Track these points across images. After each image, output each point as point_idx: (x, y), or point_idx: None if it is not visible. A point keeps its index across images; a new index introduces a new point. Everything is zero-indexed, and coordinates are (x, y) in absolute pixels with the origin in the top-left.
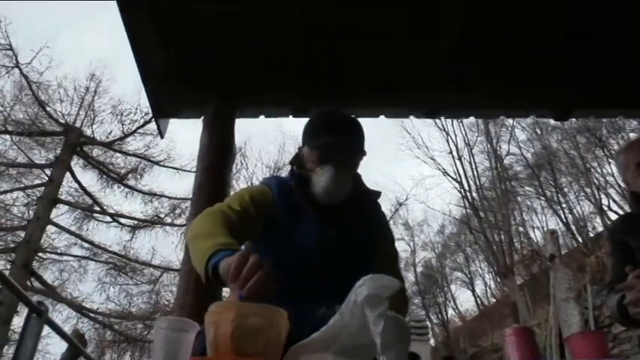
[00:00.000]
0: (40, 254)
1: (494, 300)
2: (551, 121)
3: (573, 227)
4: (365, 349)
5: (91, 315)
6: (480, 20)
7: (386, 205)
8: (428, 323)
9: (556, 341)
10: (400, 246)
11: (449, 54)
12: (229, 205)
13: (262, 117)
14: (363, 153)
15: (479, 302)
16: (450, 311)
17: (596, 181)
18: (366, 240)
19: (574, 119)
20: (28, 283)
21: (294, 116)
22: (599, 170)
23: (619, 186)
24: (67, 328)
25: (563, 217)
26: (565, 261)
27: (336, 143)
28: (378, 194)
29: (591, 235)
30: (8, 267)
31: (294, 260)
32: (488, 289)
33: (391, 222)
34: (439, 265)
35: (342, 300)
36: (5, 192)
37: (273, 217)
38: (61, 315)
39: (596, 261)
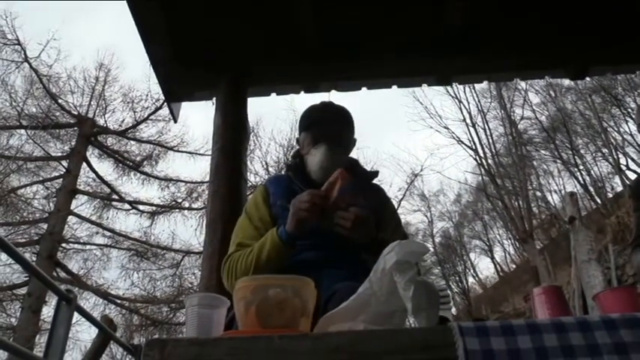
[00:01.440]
0: (63, 245)
1: (514, 266)
2: (565, 82)
3: (591, 189)
4: (395, 315)
5: (117, 301)
6: None
7: (401, 177)
8: (449, 292)
9: (579, 302)
10: (417, 217)
11: (460, 16)
12: (239, 243)
13: (274, 94)
14: (354, 135)
15: (499, 269)
16: (470, 279)
17: (613, 140)
18: (370, 212)
19: (589, 78)
20: (54, 274)
21: (305, 92)
22: (615, 129)
23: (637, 144)
24: (95, 315)
25: (580, 179)
26: (585, 223)
27: (325, 117)
28: (375, 174)
29: (610, 195)
30: (34, 259)
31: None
32: (507, 256)
33: (407, 194)
34: (457, 235)
35: (347, 267)
36: (25, 186)
37: (273, 209)
38: (88, 303)
39: (616, 221)
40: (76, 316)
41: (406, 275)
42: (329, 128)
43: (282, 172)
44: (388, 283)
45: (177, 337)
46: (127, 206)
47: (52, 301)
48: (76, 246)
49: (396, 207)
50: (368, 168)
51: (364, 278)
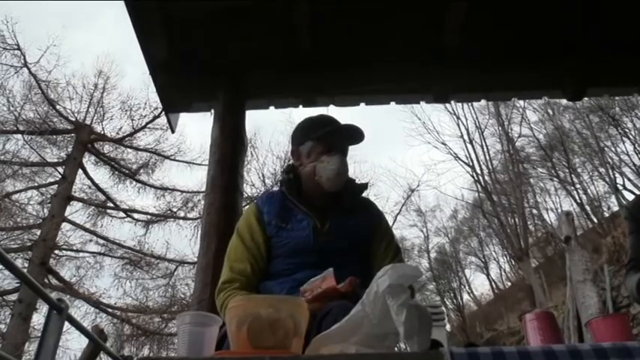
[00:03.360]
0: (56, 252)
1: (510, 283)
2: (564, 101)
3: (588, 208)
4: (387, 338)
5: (109, 310)
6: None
7: (398, 192)
8: (444, 309)
9: (574, 323)
10: (413, 232)
11: (457, 36)
12: (231, 267)
13: (272, 108)
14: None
15: (494, 286)
16: (465, 296)
17: (610, 160)
18: (360, 229)
19: (587, 98)
20: (46, 281)
21: (304, 106)
22: (612, 149)
23: (634, 164)
24: (86, 324)
25: (577, 197)
26: (581, 242)
27: (342, 128)
28: (364, 186)
29: (606, 215)
30: (26, 265)
31: (292, 252)
32: (503, 273)
33: (403, 208)
34: (453, 251)
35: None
36: (20, 191)
37: (268, 228)
38: (79, 311)
39: (612, 241)
40: (66, 324)
41: (399, 299)
42: (343, 139)
43: (276, 188)
44: (381, 306)
45: (168, 355)
46: (121, 214)
47: (43, 308)
48: (69, 253)
49: (389, 221)
50: (362, 181)
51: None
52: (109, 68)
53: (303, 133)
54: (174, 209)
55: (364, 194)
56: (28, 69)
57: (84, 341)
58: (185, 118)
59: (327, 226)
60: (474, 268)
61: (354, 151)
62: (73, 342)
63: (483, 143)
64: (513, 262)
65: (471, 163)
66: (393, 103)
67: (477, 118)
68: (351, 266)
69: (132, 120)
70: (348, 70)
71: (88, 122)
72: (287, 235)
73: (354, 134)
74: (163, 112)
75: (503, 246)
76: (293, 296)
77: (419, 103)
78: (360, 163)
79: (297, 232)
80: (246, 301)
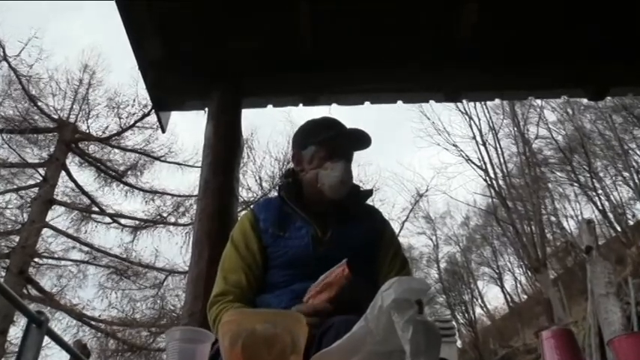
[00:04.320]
0: (36, 260)
1: (526, 296)
2: (584, 100)
3: (611, 215)
4: (392, 356)
5: (93, 323)
6: None
7: (405, 197)
8: (454, 323)
9: (595, 341)
10: (421, 240)
11: (471, 29)
12: (225, 278)
13: (270, 106)
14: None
15: (509, 299)
16: (478, 310)
17: (635, 163)
18: (364, 239)
19: (610, 98)
20: (25, 291)
21: (304, 105)
22: (637, 151)
23: None
24: (68, 338)
25: (599, 204)
26: (603, 252)
27: (347, 133)
28: (369, 193)
29: (631, 223)
30: (3, 274)
31: (290, 263)
32: (518, 285)
33: (411, 215)
34: (464, 260)
35: None
36: None
37: (264, 236)
38: (61, 324)
39: (637, 251)
40: (46, 338)
41: (405, 315)
42: (348, 145)
43: (274, 193)
44: (385, 322)
45: None
46: (107, 219)
47: (21, 321)
48: (49, 261)
49: (395, 230)
50: (367, 187)
51: (366, 309)
52: (95, 62)
53: (306, 136)
54: (164, 214)
55: (368, 201)
56: (8, 62)
57: (65, 357)
58: (177, 117)
59: (329, 235)
60: (487, 279)
61: (358, 154)
62: (54, 358)
63: (497, 145)
64: (530, 274)
65: (484, 167)
66: (400, 102)
67: (490, 118)
68: (353, 278)
69: (119, 118)
70: (351, 67)
71: (72, 120)
72: (285, 244)
73: (360, 139)
74: (153, 110)
75: (519, 256)
76: (291, 310)
77: (428, 102)
78: (364, 166)
79: (295, 240)
80: (240, 315)
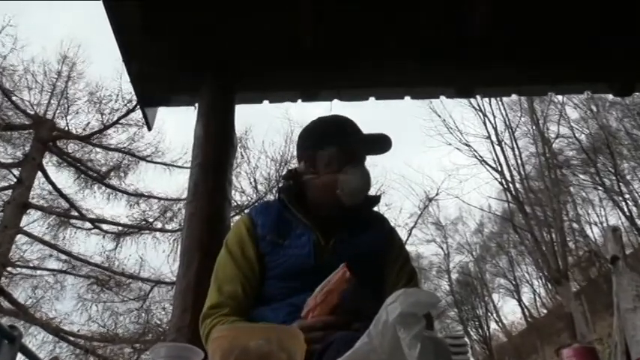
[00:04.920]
0: (9, 269)
1: (545, 311)
2: (610, 96)
3: (639, 222)
4: None
5: (70, 339)
6: None
7: (413, 201)
8: (467, 340)
9: None
10: (431, 249)
11: (487, 18)
12: (219, 288)
13: (266, 102)
14: None
15: (526, 314)
16: (493, 325)
17: None
18: (370, 248)
19: (638, 93)
20: None
21: (303, 100)
22: None
23: None
24: (43, 355)
25: (626, 210)
26: (630, 263)
27: (372, 137)
28: (377, 199)
29: None
30: None
31: (289, 273)
32: (537, 298)
33: (420, 221)
34: (478, 271)
35: None
36: None
37: (261, 244)
38: (36, 340)
39: None
40: (19, 355)
41: (412, 330)
42: (368, 149)
43: (275, 191)
44: (390, 338)
45: None
46: (87, 225)
47: None
48: (24, 271)
49: (403, 239)
50: (374, 193)
51: (368, 320)
52: (75, 53)
53: (324, 135)
54: (150, 219)
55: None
56: None
57: None
58: (164, 113)
59: (332, 243)
60: (503, 292)
61: None
62: None
63: (514, 145)
64: (550, 286)
65: (499, 168)
66: (407, 98)
67: (506, 115)
68: (355, 282)
69: (101, 114)
70: (355, 59)
71: (49, 116)
72: (284, 253)
73: (383, 146)
74: (138, 106)
75: (538, 266)
76: (287, 325)
77: (438, 97)
78: (368, 167)
79: (295, 249)
80: (232, 331)
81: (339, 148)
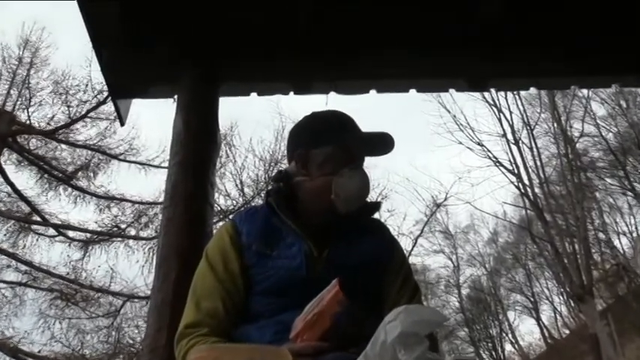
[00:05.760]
0: None
1: (567, 332)
2: None
3: None
4: None
5: None
6: None
7: (419, 207)
8: None
9: None
10: (439, 260)
11: (499, 4)
12: (198, 304)
13: (254, 94)
14: None
15: (546, 335)
16: (508, 347)
17: None
18: (368, 260)
19: None
20: None
21: (295, 93)
22: None
23: None
24: None
25: None
26: None
27: (371, 136)
28: (377, 206)
29: None
30: None
31: (278, 287)
32: (558, 317)
33: (426, 229)
34: (491, 286)
35: None
36: None
37: (247, 254)
38: None
39: None
40: None
41: (413, 352)
42: (369, 149)
43: (261, 197)
44: None
45: None
46: (51, 231)
47: None
48: None
49: (406, 250)
50: (374, 199)
51: (365, 344)
52: (39, 37)
53: (319, 133)
54: (123, 225)
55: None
56: None
57: None
58: (139, 106)
59: (326, 254)
60: (520, 309)
61: None
62: None
63: (533, 144)
64: (572, 304)
65: (516, 171)
66: (413, 91)
67: (524, 111)
68: (349, 303)
69: (68, 107)
70: (355, 47)
71: (8, 108)
72: (272, 265)
73: (384, 145)
74: (110, 98)
75: (559, 281)
76: (273, 346)
77: (448, 90)
78: (369, 168)
79: (285, 260)
80: (212, 351)
81: (334, 148)
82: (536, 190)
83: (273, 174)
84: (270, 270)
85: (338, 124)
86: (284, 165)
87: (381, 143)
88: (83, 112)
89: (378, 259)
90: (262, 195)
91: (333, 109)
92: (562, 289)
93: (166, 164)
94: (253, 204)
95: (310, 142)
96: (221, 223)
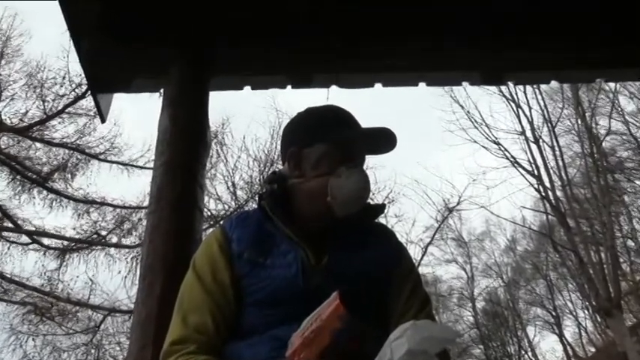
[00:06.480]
0: None
1: (593, 349)
2: None
3: None
4: None
5: None
6: None
7: (429, 212)
8: None
9: None
10: (451, 271)
11: None
12: (184, 319)
13: (248, 88)
14: None
15: (570, 352)
16: None
17: None
18: (372, 268)
19: None
20: None
21: (293, 87)
22: None
23: None
24: None
25: None
26: None
27: (370, 133)
28: (381, 208)
29: None
30: None
31: (272, 299)
32: (583, 334)
33: (437, 236)
34: (509, 299)
35: None
36: None
37: (238, 263)
38: None
39: None
40: None
41: None
42: (367, 147)
43: (255, 200)
44: None
45: None
46: (24, 239)
47: None
48: None
49: (415, 258)
50: (377, 199)
51: None
52: (10, 25)
53: (312, 129)
54: (103, 232)
55: (379, 218)
56: None
57: None
58: (122, 101)
59: (325, 262)
60: (541, 325)
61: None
62: None
63: (555, 143)
64: (598, 318)
65: (536, 172)
66: (422, 85)
67: (545, 106)
68: (350, 319)
69: (43, 101)
70: (359, 37)
71: None
72: (266, 275)
73: (386, 143)
74: (90, 92)
75: (584, 294)
76: None
77: (461, 84)
78: (375, 169)
79: (280, 269)
80: None
81: (329, 146)
82: (558, 193)
83: (267, 175)
84: (263, 280)
85: (334, 119)
86: (280, 165)
87: (382, 139)
88: (60, 108)
89: (383, 267)
90: (256, 198)
91: (329, 104)
92: (587, 303)
93: (151, 165)
94: (247, 208)
95: (303, 139)
96: (211, 230)
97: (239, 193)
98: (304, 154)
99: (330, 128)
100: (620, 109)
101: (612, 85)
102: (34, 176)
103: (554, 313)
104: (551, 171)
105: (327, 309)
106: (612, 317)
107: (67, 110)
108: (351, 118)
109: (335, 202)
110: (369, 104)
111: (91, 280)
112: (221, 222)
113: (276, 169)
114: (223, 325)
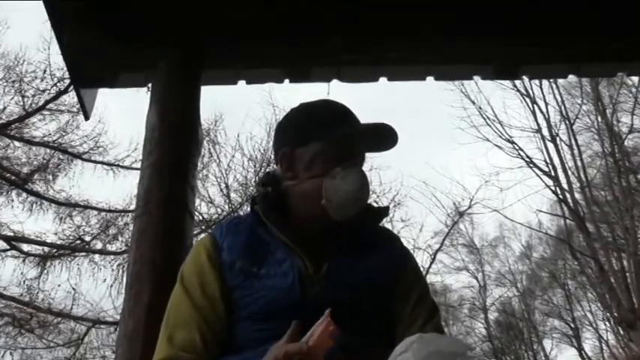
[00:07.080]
0: None
1: None
2: None
3: None
4: None
5: None
6: None
7: (438, 215)
8: None
9: None
10: (462, 279)
11: None
12: (170, 337)
13: (242, 83)
14: None
15: None
16: None
17: None
18: (375, 276)
19: None
20: None
21: (291, 81)
22: None
23: None
24: None
25: None
26: None
27: (368, 129)
28: (384, 212)
29: None
30: None
31: (267, 312)
32: (604, 347)
33: (447, 242)
34: (524, 309)
35: None
36: None
37: (229, 274)
38: None
39: None
40: None
41: None
42: (366, 145)
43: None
44: None
45: None
46: (2, 244)
47: None
48: None
49: (422, 265)
50: (381, 202)
51: None
52: None
53: (304, 127)
54: (87, 238)
55: (383, 222)
56: None
57: None
58: (107, 96)
59: (324, 271)
60: (558, 337)
61: (370, 153)
62: None
63: (573, 142)
64: (621, 331)
65: (553, 173)
66: (430, 79)
67: (562, 102)
68: (359, 332)
69: (22, 97)
70: (361, 28)
71: None
72: (260, 285)
73: (385, 139)
74: (72, 87)
75: (605, 304)
76: None
77: (472, 78)
78: (379, 170)
79: (274, 279)
80: None
81: (325, 144)
82: (577, 195)
83: (261, 177)
84: (257, 292)
85: (329, 115)
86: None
87: (380, 136)
88: (40, 104)
89: (387, 274)
90: (250, 202)
91: (325, 99)
92: (608, 314)
93: (138, 165)
94: (241, 213)
95: (296, 138)
96: (203, 235)
97: (233, 195)
98: (297, 155)
99: (324, 125)
100: None
101: (635, 79)
102: (13, 177)
103: (572, 325)
104: (569, 171)
105: (318, 328)
106: (635, 330)
107: (48, 106)
108: (349, 114)
109: (330, 205)
110: (372, 100)
111: (73, 289)
112: (213, 227)
113: (270, 170)
114: (213, 342)
